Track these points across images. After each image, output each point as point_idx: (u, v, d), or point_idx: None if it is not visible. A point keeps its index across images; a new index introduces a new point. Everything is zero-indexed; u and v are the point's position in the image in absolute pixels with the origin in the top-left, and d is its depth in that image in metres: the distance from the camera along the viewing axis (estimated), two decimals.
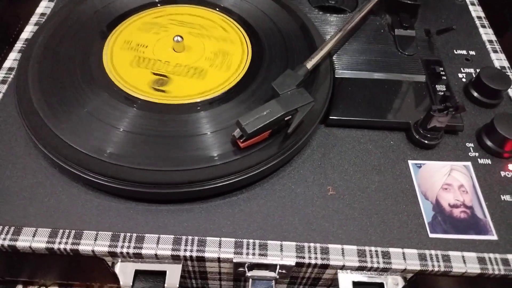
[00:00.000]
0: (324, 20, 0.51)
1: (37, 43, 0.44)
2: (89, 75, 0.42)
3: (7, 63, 0.47)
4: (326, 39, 0.48)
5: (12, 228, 0.35)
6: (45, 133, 0.38)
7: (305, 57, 0.43)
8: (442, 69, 0.47)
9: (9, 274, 0.42)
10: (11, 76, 0.45)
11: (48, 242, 0.34)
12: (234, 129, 0.37)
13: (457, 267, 0.35)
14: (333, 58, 0.46)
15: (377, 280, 0.35)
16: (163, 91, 0.40)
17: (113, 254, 0.34)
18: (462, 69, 0.49)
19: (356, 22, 0.46)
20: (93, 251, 0.34)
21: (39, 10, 0.52)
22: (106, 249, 0.34)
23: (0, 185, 0.37)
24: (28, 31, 0.50)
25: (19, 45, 0.49)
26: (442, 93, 0.44)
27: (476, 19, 0.55)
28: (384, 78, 0.46)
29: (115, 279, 0.39)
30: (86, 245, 0.34)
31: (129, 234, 0.35)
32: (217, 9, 0.49)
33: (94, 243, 0.34)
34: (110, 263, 0.36)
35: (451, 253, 0.35)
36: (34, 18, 0.51)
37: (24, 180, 0.37)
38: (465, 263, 0.35)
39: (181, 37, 0.43)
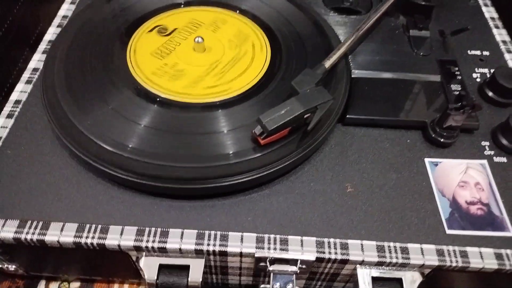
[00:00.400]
0: (339, 21, 0.52)
1: (62, 43, 0.45)
2: (113, 74, 0.43)
3: (32, 64, 0.48)
4: (342, 39, 0.49)
5: (41, 223, 0.36)
6: (71, 130, 0.39)
7: (322, 57, 0.44)
8: (457, 69, 0.47)
9: (34, 269, 0.43)
10: (36, 76, 0.47)
11: (75, 236, 0.35)
12: (254, 126, 0.38)
13: (475, 263, 0.35)
14: (349, 58, 0.47)
15: (395, 275, 0.36)
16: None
17: (138, 249, 0.35)
18: (476, 69, 0.50)
19: (372, 23, 0.47)
20: (119, 245, 0.35)
21: (61, 12, 0.54)
22: (131, 243, 0.35)
23: (28, 181, 0.38)
24: (51, 33, 0.51)
25: (42, 46, 0.50)
26: (457, 92, 0.45)
27: (489, 20, 0.55)
28: (400, 78, 0.46)
29: (137, 274, 0.40)
30: (112, 240, 0.35)
31: (153, 228, 0.36)
32: (238, 11, 0.50)
33: (120, 237, 0.35)
34: (134, 258, 0.37)
35: (468, 249, 0.36)
36: (56, 20, 0.53)
37: (51, 177, 0.39)
38: (483, 258, 0.35)
39: (202, 38, 0.44)
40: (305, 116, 0.38)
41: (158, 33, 0.47)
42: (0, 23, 0.56)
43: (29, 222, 0.36)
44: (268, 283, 0.40)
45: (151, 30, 0.47)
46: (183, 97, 0.41)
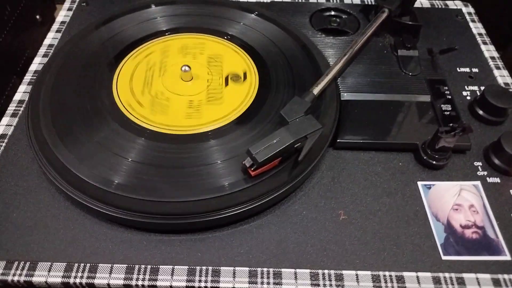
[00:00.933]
0: (328, 42, 0.52)
1: (46, 75, 0.45)
2: (99, 107, 0.42)
3: (17, 96, 0.47)
4: (330, 61, 0.49)
5: (28, 264, 0.35)
6: (57, 165, 0.38)
7: (311, 80, 0.44)
8: (446, 88, 0.47)
9: None
10: (21, 109, 0.46)
11: (63, 276, 0.34)
12: (244, 157, 0.37)
13: None
14: (338, 81, 0.47)
15: None
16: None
17: (128, 287, 0.35)
18: (466, 86, 0.49)
19: (360, 46, 0.47)
20: (108, 284, 0.34)
21: (47, 41, 0.53)
22: (121, 282, 0.34)
23: (15, 219, 0.37)
24: (36, 63, 0.51)
25: (28, 77, 0.49)
26: (448, 112, 0.45)
27: (477, 36, 0.55)
28: (390, 99, 0.46)
29: None
30: (101, 279, 0.34)
31: (143, 266, 0.35)
32: (226, 37, 0.50)
33: (109, 276, 0.34)
34: None
35: (465, 275, 0.35)
36: (42, 50, 0.52)
37: (39, 214, 0.38)
38: (480, 285, 0.35)
39: (189, 66, 0.44)
40: (295, 146, 0.37)
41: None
42: None
43: (16, 263, 0.35)
44: None
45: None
46: (169, 129, 0.41)
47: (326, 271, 0.35)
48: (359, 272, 0.35)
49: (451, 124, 0.42)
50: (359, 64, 0.49)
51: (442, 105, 0.46)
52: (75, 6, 0.58)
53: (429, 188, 0.41)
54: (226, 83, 0.45)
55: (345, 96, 0.46)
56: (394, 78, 0.48)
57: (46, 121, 0.41)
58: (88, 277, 0.34)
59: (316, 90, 0.41)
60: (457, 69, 0.51)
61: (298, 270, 0.35)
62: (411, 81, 0.48)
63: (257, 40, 0.50)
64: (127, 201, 0.36)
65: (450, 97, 0.46)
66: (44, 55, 0.52)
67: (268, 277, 0.35)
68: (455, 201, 0.40)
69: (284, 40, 0.49)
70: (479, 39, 0.55)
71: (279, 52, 0.48)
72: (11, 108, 0.46)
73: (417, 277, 0.35)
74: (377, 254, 0.36)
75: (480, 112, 0.46)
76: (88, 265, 0.35)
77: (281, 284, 0.34)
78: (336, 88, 0.45)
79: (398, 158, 0.43)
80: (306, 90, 0.42)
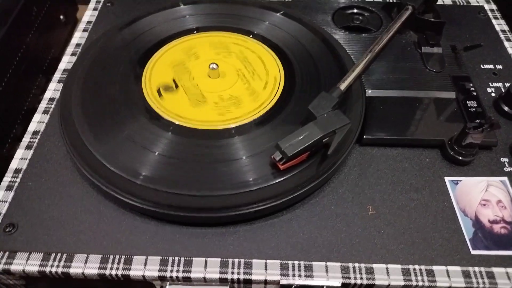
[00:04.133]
0: (351, 40, 0.52)
1: (77, 73, 0.46)
2: (129, 102, 0.43)
3: (48, 94, 0.48)
4: (354, 58, 0.49)
5: (65, 255, 0.36)
6: (90, 160, 0.39)
7: (335, 77, 0.44)
8: (471, 84, 0.47)
9: None
10: (52, 106, 0.47)
11: (99, 268, 0.35)
12: (271, 152, 0.38)
13: (502, 284, 0.35)
14: (362, 78, 0.47)
15: None
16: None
17: (162, 278, 0.35)
18: (490, 83, 0.50)
19: (385, 42, 0.47)
20: (143, 276, 0.35)
21: (74, 40, 0.54)
22: (156, 273, 0.35)
23: (50, 213, 0.38)
24: (65, 62, 0.52)
25: (57, 75, 0.50)
26: (474, 109, 0.45)
27: (500, 33, 0.55)
28: (415, 96, 0.46)
29: None
30: (136, 270, 0.35)
31: (177, 258, 0.36)
32: (250, 35, 0.51)
33: (144, 268, 0.35)
34: (158, 287, 0.37)
35: (494, 269, 0.36)
36: (69, 49, 0.53)
37: (73, 208, 0.39)
38: (510, 279, 0.35)
39: (216, 64, 0.44)
40: (324, 140, 0.38)
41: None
42: (15, 52, 0.57)
43: (53, 254, 0.36)
44: None
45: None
46: (200, 124, 0.42)
47: (356, 265, 0.36)
48: (389, 266, 0.36)
49: (478, 121, 0.42)
50: (383, 61, 0.49)
51: (467, 102, 0.46)
52: (100, 6, 0.60)
53: (456, 183, 0.41)
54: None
55: (370, 93, 0.46)
56: (419, 75, 0.48)
57: (78, 117, 0.42)
58: (123, 269, 0.35)
59: (343, 86, 0.41)
60: (481, 66, 0.51)
61: (328, 263, 0.36)
62: (436, 77, 0.48)
63: (281, 38, 0.50)
64: (159, 195, 0.37)
65: (475, 93, 0.46)
66: (72, 54, 0.53)
67: (299, 270, 0.35)
68: (482, 196, 0.40)
69: (309, 37, 0.50)
70: (502, 36, 0.55)
71: (303, 50, 0.49)
72: (42, 105, 0.47)
73: (447, 271, 0.36)
74: (407, 248, 0.37)
75: (506, 108, 0.46)
76: (123, 257, 0.36)
77: (313, 277, 0.35)
78: (361, 84, 0.46)
79: (424, 154, 0.43)
80: (331, 86, 0.43)
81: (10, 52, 0.56)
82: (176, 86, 0.45)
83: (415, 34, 0.52)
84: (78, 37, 0.55)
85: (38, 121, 0.46)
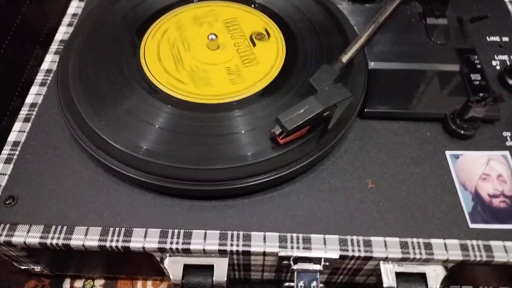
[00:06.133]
0: (354, 10, 0.51)
1: (74, 44, 0.45)
2: (128, 74, 0.43)
3: (45, 65, 0.48)
4: (357, 29, 0.48)
5: (65, 228, 0.36)
6: (88, 132, 0.39)
7: (337, 49, 0.43)
8: (476, 57, 0.46)
9: (59, 269, 0.44)
10: (50, 78, 0.46)
11: (100, 240, 0.36)
12: (272, 126, 0.37)
13: (499, 257, 0.35)
14: (364, 50, 0.46)
15: (419, 270, 0.36)
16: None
17: (162, 250, 0.36)
18: (495, 56, 0.48)
19: (389, 13, 0.46)
20: (143, 247, 0.35)
21: (71, 10, 0.53)
22: (156, 245, 0.35)
23: (50, 186, 0.38)
24: (62, 32, 0.51)
25: (54, 46, 0.50)
26: (477, 82, 0.44)
27: (508, 4, 0.54)
28: (418, 69, 0.45)
29: (160, 272, 0.40)
30: (136, 242, 0.35)
31: (177, 230, 0.36)
32: (252, 5, 0.49)
33: (144, 240, 0.36)
34: (158, 258, 0.37)
35: (492, 242, 0.36)
36: (66, 19, 0.52)
37: (72, 181, 0.39)
38: (507, 252, 0.35)
39: (215, 35, 0.43)
40: (324, 114, 0.37)
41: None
42: (11, 22, 0.56)
43: (54, 227, 0.36)
44: (291, 279, 0.41)
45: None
46: (200, 98, 0.41)
47: (354, 237, 0.36)
48: (387, 239, 0.36)
49: (481, 94, 0.42)
50: (386, 33, 0.48)
51: (471, 75, 0.45)
52: None
53: (457, 157, 0.41)
54: (253, 44, 0.45)
55: (372, 65, 0.45)
56: (422, 47, 0.47)
57: (76, 88, 0.41)
58: (123, 241, 0.35)
59: (345, 58, 0.40)
60: (487, 38, 0.50)
61: (327, 236, 0.36)
62: (440, 50, 0.47)
63: (282, 7, 0.49)
64: (158, 168, 0.36)
65: (479, 66, 0.46)
66: (69, 25, 0.52)
67: (298, 242, 0.36)
68: (483, 170, 0.40)
69: (310, 6, 0.49)
70: (510, 7, 0.53)
71: (305, 19, 0.48)
72: (39, 77, 0.47)
73: (445, 244, 0.36)
74: (405, 221, 0.37)
75: (510, 82, 0.45)
76: (123, 229, 0.36)
77: (311, 249, 0.35)
78: (363, 57, 0.45)
79: (426, 127, 0.43)
80: (334, 58, 0.42)
81: (6, 23, 0.55)
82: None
83: (420, 4, 0.51)
84: (75, 6, 0.54)
85: (35, 93, 0.45)
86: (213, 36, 0.43)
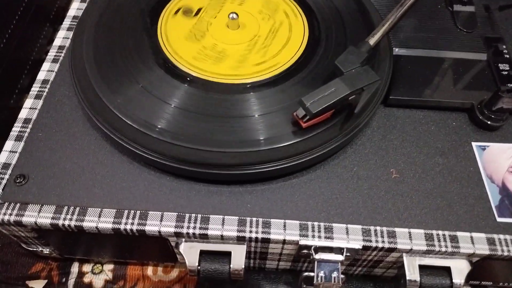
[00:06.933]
0: None
1: (88, 20, 0.43)
2: (144, 51, 0.41)
3: (57, 41, 0.46)
4: (380, 12, 0.46)
5: (78, 209, 0.35)
6: (103, 110, 0.37)
7: (361, 31, 0.42)
8: (504, 46, 0.45)
9: (68, 252, 0.42)
10: (62, 54, 0.45)
11: (114, 222, 0.34)
12: (293, 109, 0.36)
13: None
14: (390, 35, 0.45)
15: (443, 264, 0.35)
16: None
17: (178, 235, 0.34)
18: None
19: None
20: (159, 231, 0.34)
21: None
22: (172, 229, 0.34)
23: (62, 166, 0.37)
24: (74, 8, 0.49)
25: (67, 22, 0.48)
26: (506, 72, 0.43)
27: None
28: (444, 56, 0.44)
29: (173, 257, 0.39)
30: (152, 226, 0.34)
31: (194, 215, 0.35)
32: None
33: (160, 223, 0.34)
34: (173, 243, 0.36)
35: None
36: None
37: (85, 161, 0.37)
38: None
39: (237, 14, 0.42)
40: (350, 98, 0.36)
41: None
42: (20, 0, 0.54)
43: (66, 207, 0.35)
44: (308, 268, 0.40)
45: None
46: (227, 78, 0.39)
47: (378, 228, 0.35)
48: (412, 230, 0.35)
49: (510, 85, 0.40)
50: (412, 19, 0.46)
51: (499, 64, 0.43)
52: None
53: (484, 149, 0.39)
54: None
55: (397, 51, 0.44)
56: (449, 34, 0.45)
57: (90, 65, 0.40)
58: (139, 224, 0.34)
59: (372, 41, 0.39)
60: None
61: (349, 226, 0.35)
62: (466, 38, 0.45)
63: None
64: (177, 150, 0.35)
65: (508, 56, 0.44)
66: (82, 0, 0.50)
67: (319, 231, 0.34)
68: (510, 163, 0.39)
69: None
70: None
71: (329, 2, 0.46)
72: (52, 53, 0.45)
73: (471, 237, 0.34)
74: (430, 213, 0.35)
75: None
76: (138, 212, 0.35)
77: (333, 239, 0.34)
78: (388, 42, 0.43)
79: (452, 117, 0.41)
80: (358, 42, 0.40)
81: (15, 1, 0.53)
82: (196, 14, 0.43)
83: None
84: None
85: (47, 70, 0.43)
86: (234, 15, 0.42)
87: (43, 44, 0.60)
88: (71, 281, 0.44)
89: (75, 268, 0.44)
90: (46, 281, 0.44)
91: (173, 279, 0.44)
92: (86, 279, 0.44)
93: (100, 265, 0.45)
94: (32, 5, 0.56)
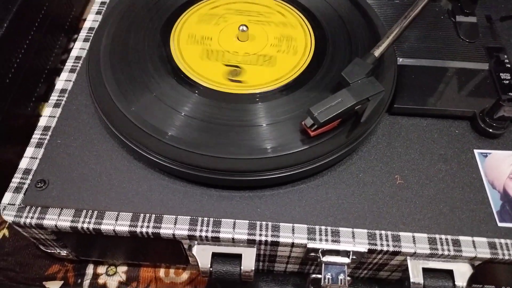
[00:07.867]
0: (383, 4, 0.51)
1: (104, 31, 0.45)
2: (158, 62, 0.43)
3: (74, 52, 0.48)
4: (385, 24, 0.48)
5: (96, 212, 0.37)
6: (120, 119, 0.39)
7: (368, 44, 0.43)
8: (506, 56, 0.46)
9: (85, 254, 0.44)
10: (79, 64, 0.47)
11: (130, 226, 0.36)
12: (301, 118, 0.37)
13: None
14: (394, 45, 0.46)
15: (446, 267, 0.36)
16: (239, 81, 0.41)
17: (191, 238, 0.36)
18: None
19: (420, 9, 0.46)
20: (173, 234, 0.36)
21: None
22: (186, 232, 0.36)
23: (80, 171, 0.39)
24: (90, 20, 0.51)
25: (83, 34, 0.50)
26: (507, 81, 0.44)
27: None
28: (447, 66, 0.45)
29: (185, 259, 0.41)
30: (167, 229, 0.36)
31: (206, 218, 0.36)
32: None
33: (174, 226, 0.36)
34: (186, 246, 0.38)
35: None
36: (95, 7, 0.53)
37: (102, 167, 0.39)
38: None
39: (246, 26, 0.43)
40: (356, 108, 0.37)
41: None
42: (38, 10, 0.56)
43: (84, 211, 0.37)
44: (315, 271, 0.41)
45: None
46: (233, 88, 0.41)
47: (383, 232, 0.36)
48: (416, 234, 0.36)
49: (511, 93, 0.41)
50: (415, 29, 0.48)
51: (500, 74, 0.45)
52: None
53: (486, 156, 0.41)
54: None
55: (401, 61, 0.45)
56: (451, 44, 0.47)
57: (107, 76, 0.42)
58: (154, 227, 0.36)
59: (377, 52, 0.40)
60: None
61: (355, 230, 0.36)
62: (469, 48, 0.47)
63: (313, 1, 0.49)
64: (189, 156, 0.37)
65: (509, 65, 0.45)
66: (97, 13, 0.52)
67: (326, 235, 0.36)
68: (511, 170, 0.40)
69: (340, 1, 0.48)
70: None
71: (334, 13, 0.47)
72: (69, 64, 0.47)
73: (473, 241, 0.36)
74: (433, 218, 0.37)
75: None
76: (153, 216, 0.36)
77: (339, 242, 0.35)
78: (393, 52, 0.45)
79: (454, 125, 0.42)
80: (363, 53, 0.42)
81: (33, 11, 0.55)
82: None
83: (450, 1, 0.50)
84: None
85: (65, 80, 0.45)
86: (244, 27, 0.43)
87: (58, 54, 0.62)
88: (86, 282, 0.45)
89: (90, 269, 0.46)
90: (62, 282, 0.45)
91: (184, 280, 0.45)
92: (101, 280, 0.45)
93: (114, 267, 0.46)
94: (49, 16, 0.59)
